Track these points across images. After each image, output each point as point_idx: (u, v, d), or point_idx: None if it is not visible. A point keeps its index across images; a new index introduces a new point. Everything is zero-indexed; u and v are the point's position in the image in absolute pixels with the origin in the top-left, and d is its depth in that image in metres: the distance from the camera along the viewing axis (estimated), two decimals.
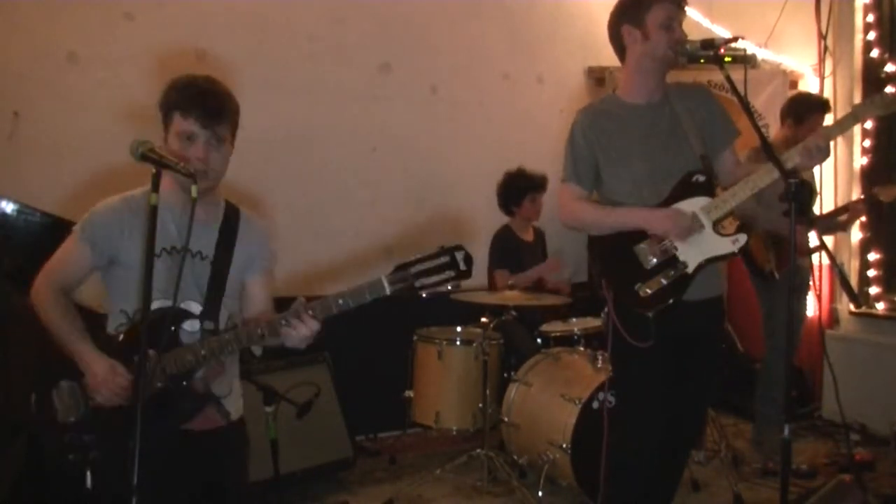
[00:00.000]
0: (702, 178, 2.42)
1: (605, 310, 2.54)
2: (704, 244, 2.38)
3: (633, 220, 2.41)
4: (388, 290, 1.84)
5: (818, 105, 4.06)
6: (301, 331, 1.87)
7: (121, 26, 3.94)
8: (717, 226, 2.39)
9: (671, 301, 2.37)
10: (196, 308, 2.00)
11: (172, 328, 1.95)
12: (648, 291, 2.35)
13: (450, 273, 1.84)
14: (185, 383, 1.95)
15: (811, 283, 3.97)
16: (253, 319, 2.08)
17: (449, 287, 1.87)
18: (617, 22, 2.51)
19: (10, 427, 2.65)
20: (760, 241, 3.77)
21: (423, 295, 1.85)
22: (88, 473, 1.92)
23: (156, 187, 1.76)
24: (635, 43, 2.46)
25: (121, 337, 1.99)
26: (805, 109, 3.99)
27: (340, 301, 1.86)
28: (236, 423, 2.14)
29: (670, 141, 2.47)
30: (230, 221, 2.13)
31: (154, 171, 1.78)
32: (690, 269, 2.36)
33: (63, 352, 1.96)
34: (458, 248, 1.85)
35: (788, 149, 2.32)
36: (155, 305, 1.86)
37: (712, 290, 2.50)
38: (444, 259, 1.83)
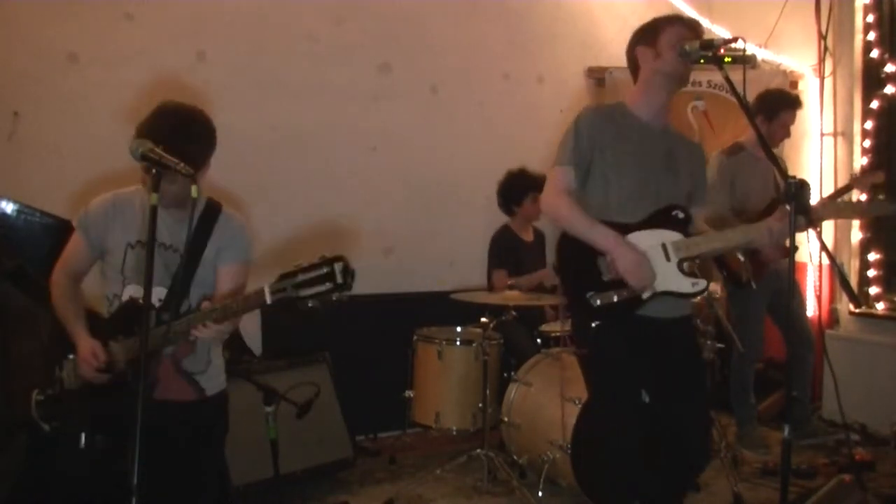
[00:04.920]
0: (681, 215, 2.47)
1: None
2: (665, 277, 2.40)
3: (607, 245, 2.39)
4: (269, 300, 1.85)
5: (790, 101, 4.05)
6: (205, 332, 2.00)
7: (121, 26, 3.94)
8: (681, 264, 2.41)
9: (616, 316, 2.40)
10: (161, 292, 2.16)
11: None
12: (598, 302, 2.38)
13: (329, 285, 1.76)
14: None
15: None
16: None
17: (334, 298, 1.78)
18: (633, 45, 2.59)
19: (10, 427, 2.66)
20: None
21: (309, 304, 1.79)
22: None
23: (156, 187, 1.78)
24: (647, 61, 2.53)
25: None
26: (777, 106, 3.98)
27: (234, 306, 1.96)
28: (212, 399, 2.32)
29: (664, 168, 2.53)
30: (207, 218, 2.26)
31: (154, 170, 1.81)
32: (645, 296, 2.40)
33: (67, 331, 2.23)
34: (338, 258, 1.78)
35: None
36: (128, 291, 2.18)
37: (683, 309, 2.55)
38: (325, 270, 1.77)
